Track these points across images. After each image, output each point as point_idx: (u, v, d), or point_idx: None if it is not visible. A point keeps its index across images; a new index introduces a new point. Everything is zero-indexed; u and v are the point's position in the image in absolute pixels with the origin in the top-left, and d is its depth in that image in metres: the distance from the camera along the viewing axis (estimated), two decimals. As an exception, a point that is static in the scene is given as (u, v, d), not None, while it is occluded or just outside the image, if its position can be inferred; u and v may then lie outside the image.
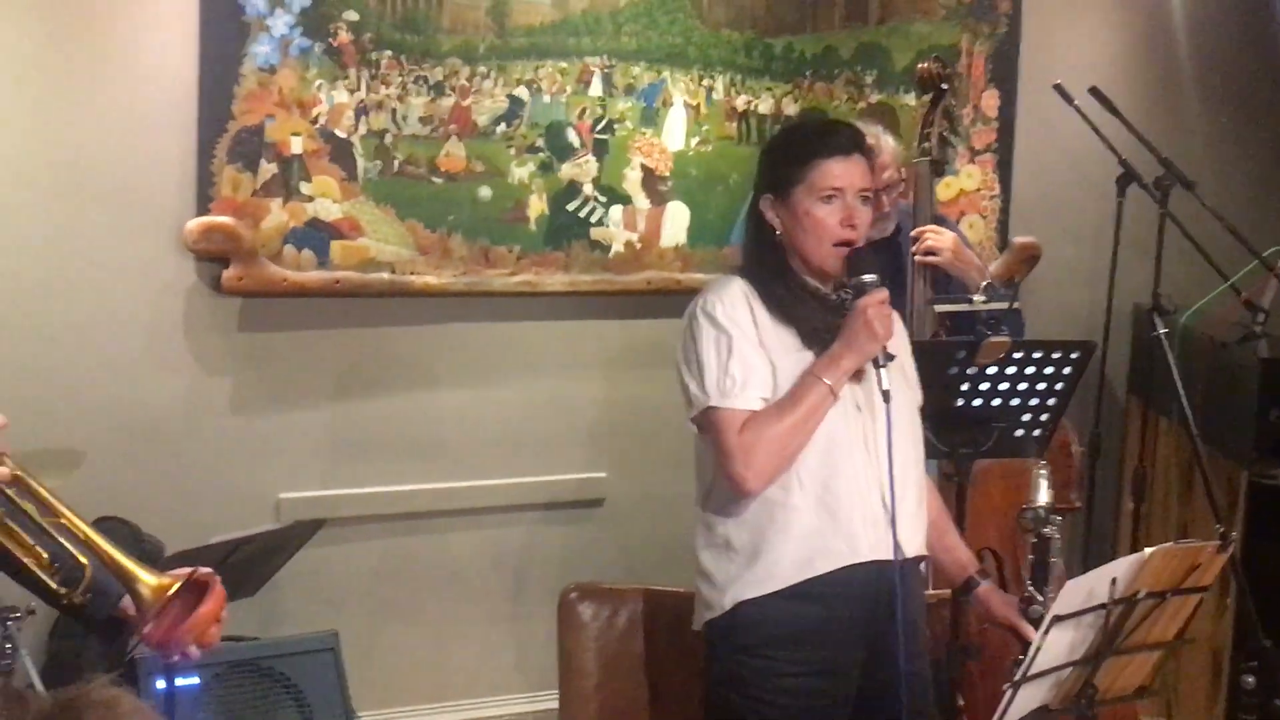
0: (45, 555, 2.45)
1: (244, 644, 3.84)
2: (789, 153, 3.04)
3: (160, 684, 3.36)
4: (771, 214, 3.01)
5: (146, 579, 2.40)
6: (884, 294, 2.94)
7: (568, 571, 4.24)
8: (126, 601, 2.47)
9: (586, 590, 3.40)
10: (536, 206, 4.48)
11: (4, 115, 3.92)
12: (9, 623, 3.15)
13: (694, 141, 4.65)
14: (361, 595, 4.44)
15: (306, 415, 4.35)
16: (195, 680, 3.48)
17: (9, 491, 2.40)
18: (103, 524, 3.53)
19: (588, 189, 4.54)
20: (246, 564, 3.80)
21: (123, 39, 4.03)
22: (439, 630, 4.56)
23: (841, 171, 2.96)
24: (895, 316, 3.02)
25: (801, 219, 2.97)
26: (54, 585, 2.45)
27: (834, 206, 2.95)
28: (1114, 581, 2.65)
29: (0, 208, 3.93)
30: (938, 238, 3.97)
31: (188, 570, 2.45)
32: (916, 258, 3.96)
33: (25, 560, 2.45)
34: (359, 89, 4.23)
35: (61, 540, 2.42)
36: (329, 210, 4.24)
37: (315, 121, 4.19)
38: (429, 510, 4.51)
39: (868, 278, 2.94)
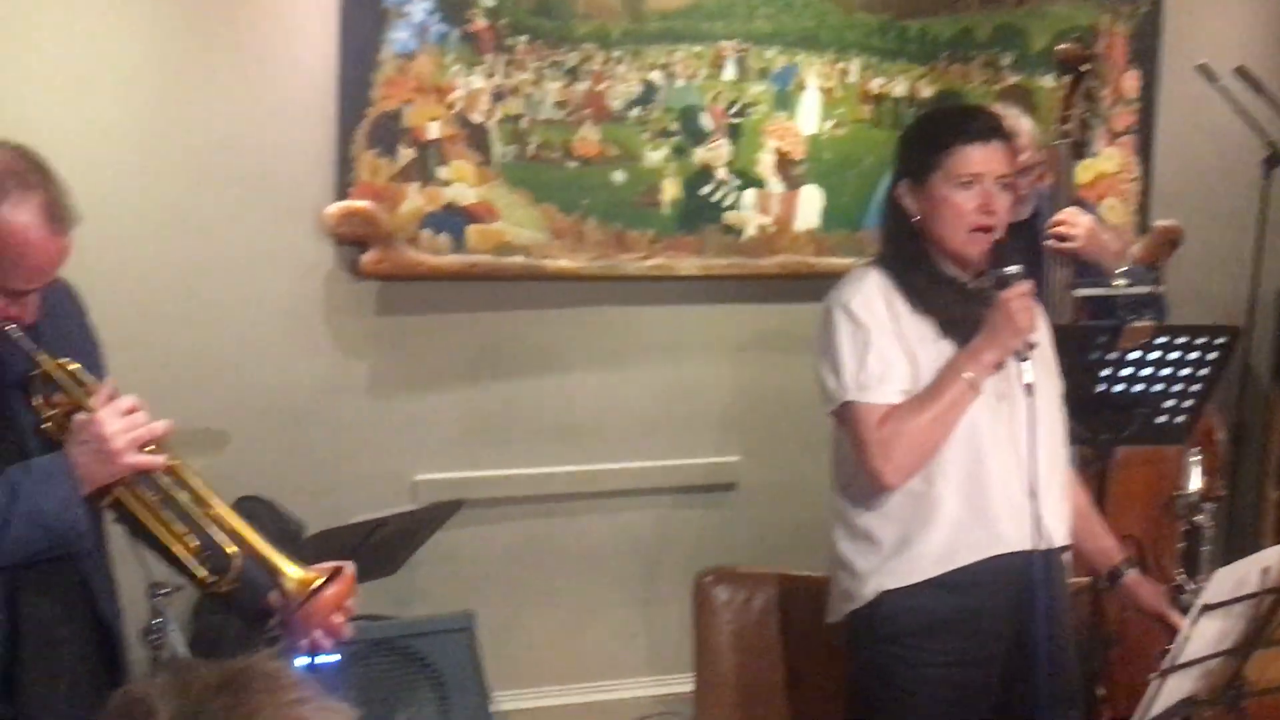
0: (195, 544, 2.50)
1: (381, 623, 3.88)
2: (927, 138, 3.01)
3: (302, 660, 3.41)
4: (909, 200, 2.98)
5: (292, 573, 2.44)
6: (1028, 286, 2.90)
7: (700, 555, 4.24)
8: (274, 592, 2.52)
9: (722, 574, 3.41)
10: (670, 190, 4.48)
11: (148, 103, 4.00)
12: (158, 597, 3.24)
13: (828, 125, 4.62)
14: (496, 576, 4.48)
15: (442, 398, 4.39)
16: (335, 658, 3.53)
17: (164, 480, 2.45)
18: (244, 504, 3.61)
19: (721, 173, 4.53)
20: (386, 544, 3.85)
21: (264, 27, 4.08)
22: (573, 612, 4.59)
23: (980, 157, 2.92)
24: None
25: (939, 205, 2.93)
26: (203, 573, 2.50)
27: (972, 193, 2.92)
28: (1265, 570, 2.60)
29: (145, 193, 3.99)
30: (1071, 224, 3.90)
31: (333, 565, 2.49)
32: (1049, 244, 3.90)
33: (176, 546, 2.50)
34: (495, 74, 4.25)
35: (211, 530, 2.47)
36: (465, 195, 4.27)
37: (452, 107, 4.22)
38: (563, 493, 4.54)
39: (1011, 269, 2.90)
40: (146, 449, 2.39)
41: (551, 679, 4.57)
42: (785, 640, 3.37)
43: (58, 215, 2.33)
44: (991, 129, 2.97)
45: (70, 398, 2.40)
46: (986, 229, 2.93)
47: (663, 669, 4.61)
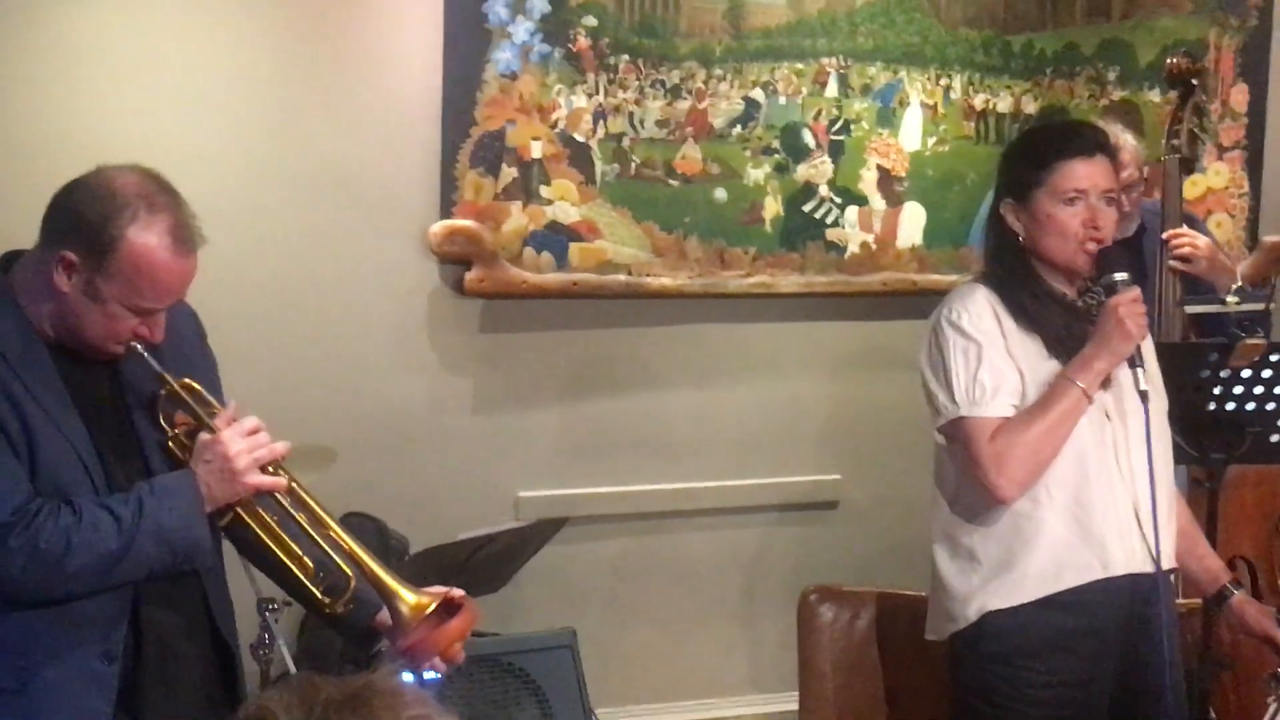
0: (312, 565, 2.54)
1: (484, 640, 3.90)
2: (1029, 155, 2.99)
3: (406, 677, 3.44)
4: (1013, 219, 2.96)
5: (407, 597, 2.48)
6: (1136, 292, 2.87)
7: (802, 574, 4.23)
8: (383, 614, 2.55)
9: (826, 592, 3.39)
10: (772, 208, 4.48)
11: (257, 122, 4.05)
12: (267, 613, 3.28)
13: (931, 141, 4.61)
14: (598, 593, 4.49)
15: (545, 415, 4.41)
16: (438, 674, 3.56)
17: (283, 501, 2.49)
18: (350, 520, 3.65)
19: (823, 190, 4.53)
20: (491, 561, 3.87)
21: (370, 48, 4.13)
22: (674, 630, 4.59)
23: (1085, 173, 2.90)
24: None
25: (1044, 223, 2.91)
26: (318, 594, 2.54)
27: (1077, 209, 2.89)
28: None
29: (254, 212, 4.04)
30: (1194, 246, 3.84)
31: (444, 590, 2.52)
32: (1171, 264, 3.85)
33: (292, 567, 2.54)
34: (597, 93, 4.28)
35: (328, 551, 2.51)
36: (567, 213, 4.30)
37: (555, 126, 4.25)
38: (665, 510, 4.54)
39: (1118, 276, 2.87)
40: (268, 469, 2.44)
41: (653, 696, 4.57)
42: (887, 659, 3.35)
43: (184, 236, 2.38)
44: (1095, 144, 2.94)
45: (194, 417, 2.45)
46: (1095, 243, 2.91)
47: (764, 687, 4.60)
